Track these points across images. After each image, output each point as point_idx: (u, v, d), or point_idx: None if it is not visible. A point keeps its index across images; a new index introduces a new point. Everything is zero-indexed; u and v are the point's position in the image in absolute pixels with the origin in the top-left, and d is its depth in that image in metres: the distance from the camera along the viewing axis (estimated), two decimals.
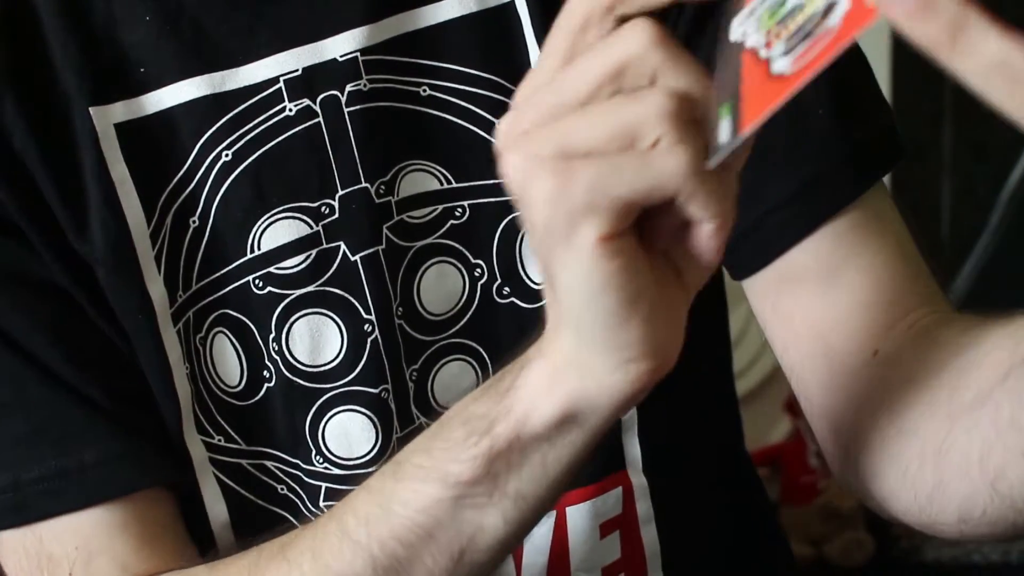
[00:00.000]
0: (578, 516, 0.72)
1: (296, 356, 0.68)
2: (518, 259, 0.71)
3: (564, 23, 0.50)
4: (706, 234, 0.49)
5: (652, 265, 0.50)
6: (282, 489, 0.71)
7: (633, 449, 0.74)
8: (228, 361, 0.69)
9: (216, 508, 0.71)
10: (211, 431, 0.70)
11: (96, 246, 0.66)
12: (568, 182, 0.47)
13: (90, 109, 0.65)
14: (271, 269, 0.67)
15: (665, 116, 0.46)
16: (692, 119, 0.47)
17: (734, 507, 0.82)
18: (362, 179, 0.67)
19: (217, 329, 0.68)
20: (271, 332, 0.68)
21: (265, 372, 0.69)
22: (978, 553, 1.48)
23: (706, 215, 0.48)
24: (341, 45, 0.66)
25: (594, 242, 0.47)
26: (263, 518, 0.71)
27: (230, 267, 0.68)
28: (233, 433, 0.70)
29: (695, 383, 0.75)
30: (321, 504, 0.71)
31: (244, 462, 0.71)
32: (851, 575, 1.45)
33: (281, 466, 0.71)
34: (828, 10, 0.43)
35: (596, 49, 0.48)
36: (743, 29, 0.49)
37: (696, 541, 0.78)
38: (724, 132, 0.46)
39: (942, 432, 0.58)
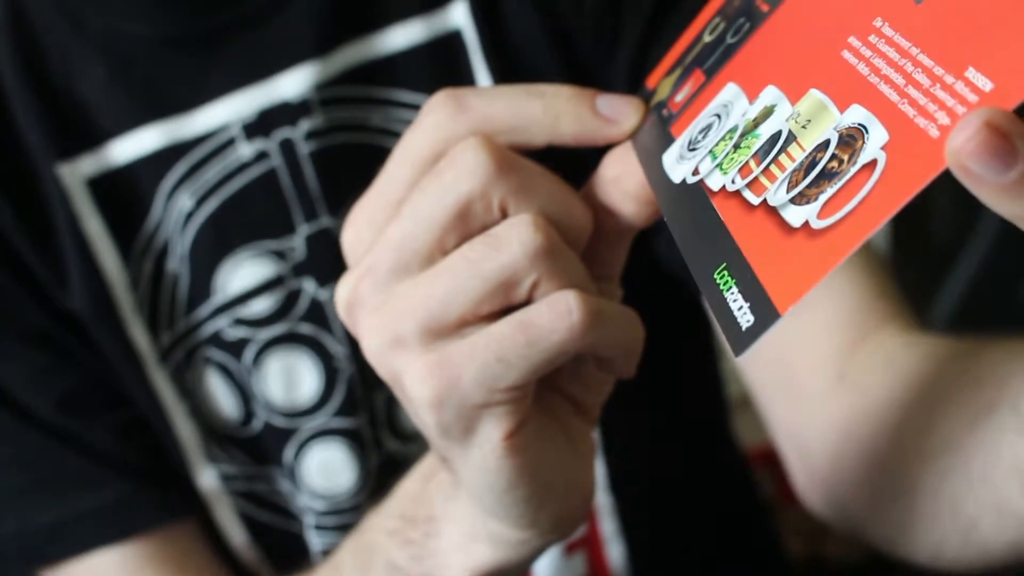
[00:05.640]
0: None
1: (273, 395, 0.69)
2: None
3: (409, 147, 0.42)
4: (617, 368, 0.43)
5: (555, 423, 0.44)
6: (292, 509, 0.72)
7: (597, 469, 0.74)
8: (222, 397, 0.70)
9: (234, 532, 0.72)
10: (223, 458, 0.71)
11: (78, 301, 0.66)
12: (452, 382, 0.40)
13: (58, 166, 0.65)
14: (241, 313, 0.68)
15: (536, 259, 0.39)
16: (561, 249, 0.40)
17: (717, 512, 0.82)
18: (325, 216, 0.67)
19: (206, 367, 0.69)
20: (250, 372, 0.69)
21: (254, 408, 0.70)
22: None
23: (616, 352, 0.42)
24: (293, 81, 0.65)
25: (497, 443, 0.41)
26: (279, 537, 0.72)
27: (203, 312, 0.68)
28: (243, 458, 0.71)
29: (667, 401, 0.75)
30: (314, 538, 0.72)
31: (257, 486, 0.72)
32: (849, 574, 1.45)
33: (287, 489, 0.72)
34: (846, 143, 0.33)
35: (429, 189, 0.41)
36: (690, 165, 0.38)
37: (669, 552, 0.78)
38: (742, 311, 0.33)
39: (911, 471, 0.57)
